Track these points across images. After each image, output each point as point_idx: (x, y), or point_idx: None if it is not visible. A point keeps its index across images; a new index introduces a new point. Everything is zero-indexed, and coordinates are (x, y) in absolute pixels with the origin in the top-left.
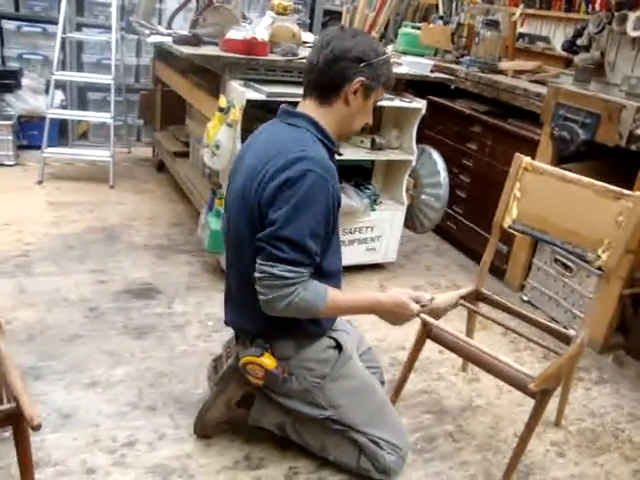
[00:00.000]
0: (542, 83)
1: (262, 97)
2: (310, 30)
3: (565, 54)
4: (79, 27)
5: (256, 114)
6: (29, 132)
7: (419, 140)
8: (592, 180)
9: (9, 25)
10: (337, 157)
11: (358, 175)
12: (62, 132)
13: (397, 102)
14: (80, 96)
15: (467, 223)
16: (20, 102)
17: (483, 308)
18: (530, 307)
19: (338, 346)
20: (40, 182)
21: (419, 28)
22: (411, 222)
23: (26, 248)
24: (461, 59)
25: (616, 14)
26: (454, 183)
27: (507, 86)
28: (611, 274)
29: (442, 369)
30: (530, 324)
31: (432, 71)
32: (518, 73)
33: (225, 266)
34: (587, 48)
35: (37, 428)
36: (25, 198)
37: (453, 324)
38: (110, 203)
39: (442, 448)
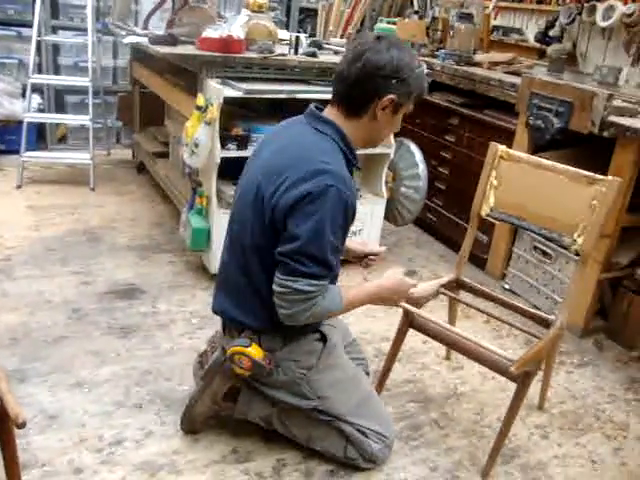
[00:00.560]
0: (517, 74)
1: (239, 94)
2: (287, 28)
3: (538, 45)
4: (54, 30)
5: (235, 111)
6: (7, 137)
7: (397, 134)
8: (566, 166)
9: None
10: None
11: None
12: (40, 136)
13: None
14: (58, 99)
15: (447, 214)
16: None
17: (467, 297)
18: (512, 295)
19: (323, 338)
20: (19, 187)
21: (395, 23)
22: (391, 215)
23: (7, 252)
24: (437, 52)
25: (585, 5)
26: (433, 175)
27: (482, 78)
28: (587, 258)
29: (426, 358)
30: (511, 310)
31: None
32: (493, 65)
33: (222, 253)
34: (559, 39)
35: (22, 426)
36: (4, 203)
37: (436, 314)
38: (91, 205)
39: (428, 435)
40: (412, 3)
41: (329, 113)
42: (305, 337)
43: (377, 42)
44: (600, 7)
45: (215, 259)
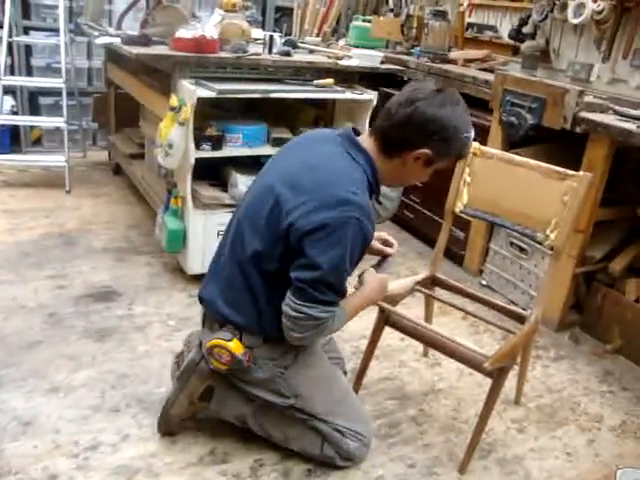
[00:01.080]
0: (491, 71)
1: (212, 94)
2: (263, 27)
3: (512, 42)
4: (26, 30)
5: (209, 112)
6: None
7: None
8: (538, 162)
9: None
10: None
11: None
12: (14, 139)
13: (348, 95)
14: (31, 101)
15: (424, 211)
16: None
17: (444, 294)
18: (489, 291)
19: None
20: None
21: (370, 21)
22: None
23: None
24: (412, 50)
25: (557, 2)
26: None
27: (457, 75)
28: (560, 253)
29: (404, 356)
30: (487, 307)
31: (382, 62)
32: (468, 62)
33: (221, 242)
34: (533, 36)
35: None
36: None
37: (413, 311)
38: (67, 208)
39: (405, 432)
40: (387, 1)
41: (366, 140)
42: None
43: (434, 94)
44: (571, 4)
45: (192, 260)
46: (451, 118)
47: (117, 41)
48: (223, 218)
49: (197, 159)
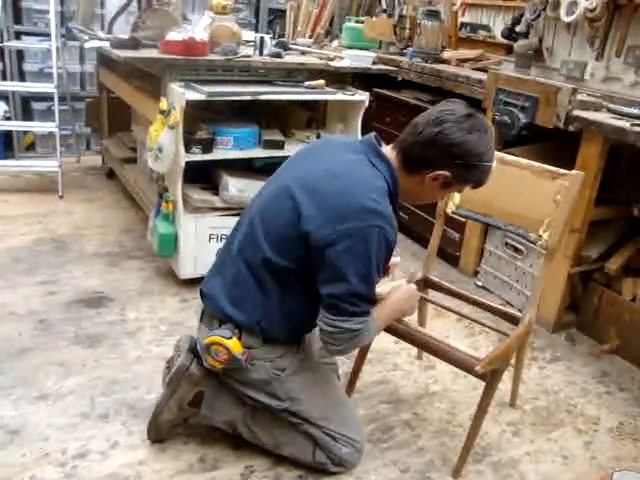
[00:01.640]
0: (484, 71)
1: (202, 97)
2: (256, 29)
3: (505, 41)
4: (18, 35)
5: (200, 115)
6: None
7: (367, 132)
8: (530, 161)
9: None
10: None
11: None
12: (8, 145)
13: (340, 96)
14: (24, 107)
15: (419, 212)
16: None
17: (438, 296)
18: (485, 292)
19: (298, 340)
20: None
21: (363, 22)
22: None
23: None
24: (405, 50)
25: (550, 0)
26: None
27: (450, 75)
28: (554, 253)
29: (398, 359)
30: (481, 308)
31: (374, 63)
32: (461, 62)
33: (227, 241)
34: (526, 35)
35: None
36: None
37: None
38: (60, 213)
39: (399, 437)
40: (380, 2)
41: (389, 152)
42: (284, 340)
43: (463, 118)
44: (564, 2)
45: (183, 264)
46: (477, 145)
47: (106, 45)
48: (214, 222)
49: (188, 162)
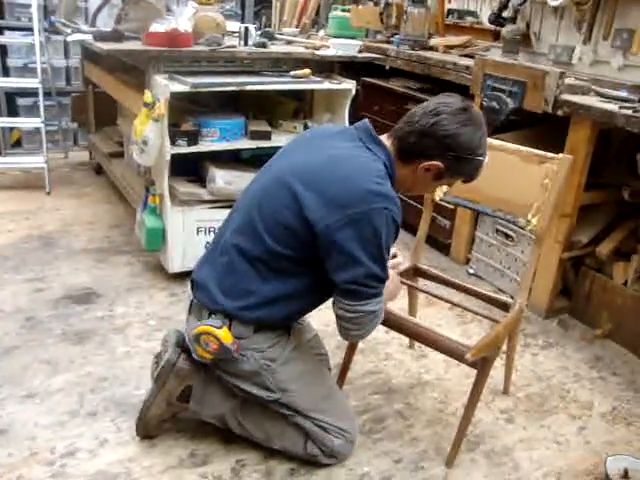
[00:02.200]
0: (472, 57)
1: (186, 89)
2: (242, 20)
3: (493, 27)
4: (1, 30)
5: (185, 107)
6: None
7: (356, 121)
8: (517, 146)
9: None
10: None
11: None
12: None
13: (326, 84)
14: (9, 102)
15: (409, 201)
16: None
17: (428, 284)
18: (477, 280)
19: (288, 330)
20: None
21: (349, 11)
22: None
23: None
24: (392, 38)
25: None
26: None
27: (437, 61)
28: (543, 238)
29: (390, 349)
30: (471, 295)
31: (360, 51)
32: (448, 48)
33: (220, 231)
34: (513, 20)
35: None
36: None
37: (397, 302)
38: (47, 210)
39: (391, 427)
40: None
41: (384, 140)
42: (275, 330)
43: (460, 111)
44: None
45: (172, 258)
46: (472, 139)
47: (89, 38)
48: (202, 214)
49: (173, 155)
